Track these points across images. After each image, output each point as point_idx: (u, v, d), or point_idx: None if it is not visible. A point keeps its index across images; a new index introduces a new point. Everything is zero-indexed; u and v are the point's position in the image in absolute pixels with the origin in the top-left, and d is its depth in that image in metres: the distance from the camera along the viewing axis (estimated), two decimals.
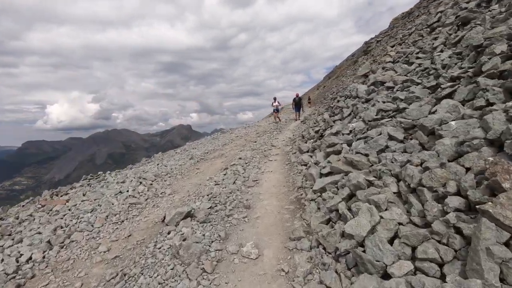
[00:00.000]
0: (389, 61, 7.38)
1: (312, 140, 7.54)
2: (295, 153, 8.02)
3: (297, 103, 16.60)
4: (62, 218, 4.94)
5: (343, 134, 5.66)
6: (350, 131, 5.60)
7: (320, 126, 7.58)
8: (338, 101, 7.89)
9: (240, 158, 8.27)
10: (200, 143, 12.97)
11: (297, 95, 17.27)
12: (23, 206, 6.28)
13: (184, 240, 3.48)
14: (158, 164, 8.10)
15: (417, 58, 6.11)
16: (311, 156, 6.43)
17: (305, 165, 6.07)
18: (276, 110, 17.25)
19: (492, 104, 3.10)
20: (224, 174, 6.58)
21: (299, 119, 16.45)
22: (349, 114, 6.63)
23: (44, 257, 3.90)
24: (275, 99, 17.10)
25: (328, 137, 5.45)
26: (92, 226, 4.59)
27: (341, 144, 4.74)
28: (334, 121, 6.93)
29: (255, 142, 11.71)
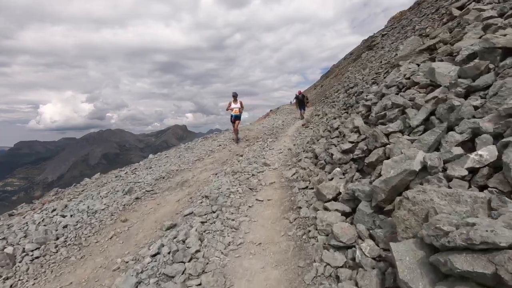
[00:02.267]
0: (489, 17, 3.79)
1: (339, 168, 3.92)
2: (305, 188, 4.41)
3: (301, 101, 15.84)
4: None
5: (449, 179, 2.08)
6: (475, 171, 2.01)
7: (353, 142, 3.99)
8: (384, 94, 4.29)
9: (206, 197, 4.63)
10: (166, 156, 9.30)
11: (299, 93, 16.45)
12: None
13: None
14: (54, 211, 4.39)
15: None
16: (348, 217, 2.82)
17: (339, 248, 2.46)
18: (236, 118, 9.61)
19: None
20: (154, 255, 2.95)
21: (302, 118, 15.46)
22: (426, 120, 3.04)
23: None
24: (235, 96, 9.54)
25: (416, 193, 1.86)
26: None
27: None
28: (388, 135, 3.33)
29: (241, 156, 8.14)
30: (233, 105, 9.70)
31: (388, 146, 3.19)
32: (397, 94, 4.03)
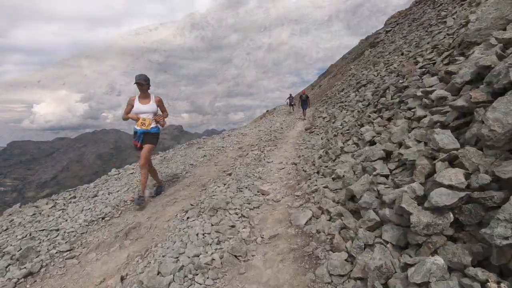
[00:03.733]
0: None
1: (438, 256, 1.69)
2: (344, 275, 2.17)
3: (304, 101, 15.75)
4: None
5: None
6: None
7: (459, 188, 1.78)
8: None
9: None
10: (131, 171, 6.98)
11: (303, 92, 17.08)
12: None
13: None
14: None
15: None
16: None
17: None
18: (145, 138, 4.31)
19: None
20: None
21: (305, 119, 15.18)
22: None
23: None
24: (142, 85, 4.30)
25: None
26: None
27: None
28: None
29: (230, 174, 5.93)
30: (138, 106, 4.35)
31: None
32: None
